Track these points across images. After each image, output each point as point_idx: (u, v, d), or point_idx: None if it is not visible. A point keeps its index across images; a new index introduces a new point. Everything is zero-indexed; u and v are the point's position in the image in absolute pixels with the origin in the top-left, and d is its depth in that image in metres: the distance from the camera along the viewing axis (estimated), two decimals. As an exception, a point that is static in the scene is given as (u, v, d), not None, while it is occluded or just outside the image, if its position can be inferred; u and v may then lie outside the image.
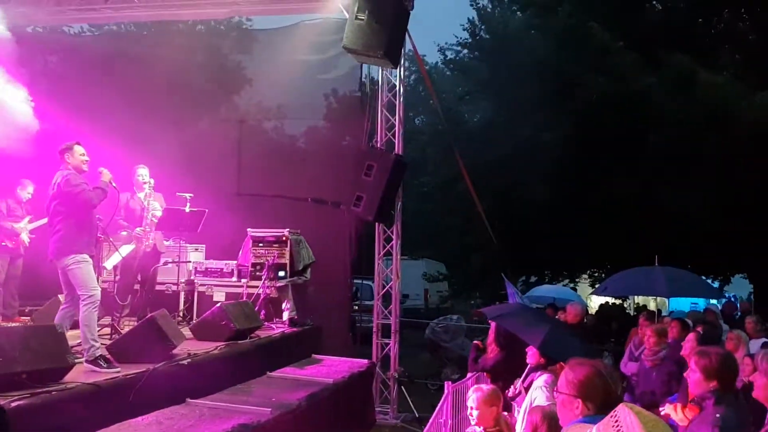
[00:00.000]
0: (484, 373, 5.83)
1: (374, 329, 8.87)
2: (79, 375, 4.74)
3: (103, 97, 9.79)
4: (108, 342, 5.74)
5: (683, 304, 17.52)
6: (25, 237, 7.73)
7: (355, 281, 10.91)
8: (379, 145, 8.85)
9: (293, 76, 10.37)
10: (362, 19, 8.06)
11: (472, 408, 4.26)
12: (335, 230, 9.57)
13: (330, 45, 9.85)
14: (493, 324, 5.78)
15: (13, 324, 6.80)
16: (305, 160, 10.57)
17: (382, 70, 8.97)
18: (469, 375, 6.31)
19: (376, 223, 8.78)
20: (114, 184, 5.83)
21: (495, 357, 5.66)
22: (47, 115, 9.07)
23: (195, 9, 9.30)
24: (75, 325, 5.46)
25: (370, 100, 9.38)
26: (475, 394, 4.30)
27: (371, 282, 14.49)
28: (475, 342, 6.50)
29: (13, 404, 3.90)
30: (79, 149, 5.70)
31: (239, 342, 6.69)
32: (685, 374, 3.74)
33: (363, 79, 9.99)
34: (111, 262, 6.80)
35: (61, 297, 7.51)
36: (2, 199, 7.83)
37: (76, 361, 4.83)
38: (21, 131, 8.49)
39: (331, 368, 7.18)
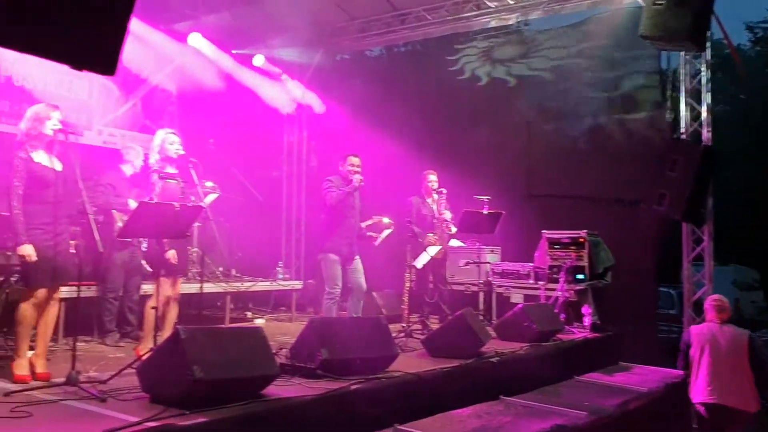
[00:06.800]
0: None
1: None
2: (401, 365, 5.06)
3: (398, 111, 10.54)
4: (421, 337, 6.09)
5: None
6: None
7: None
8: (683, 136, 8.17)
9: (574, 74, 10.16)
10: (661, 4, 7.49)
11: None
12: (635, 231, 9.02)
13: (615, 38, 9.45)
14: None
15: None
16: (594, 159, 10.18)
17: (684, 56, 8.27)
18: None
19: (683, 224, 8.09)
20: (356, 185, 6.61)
21: None
22: (355, 131, 10.13)
23: (485, 18, 9.51)
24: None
25: (671, 90, 8.72)
26: None
27: (669, 288, 13.41)
28: None
29: (353, 387, 4.30)
30: (352, 160, 6.67)
31: (542, 344, 6.62)
32: None
33: (662, 68, 9.35)
34: (420, 261, 7.23)
35: (374, 294, 8.25)
36: None
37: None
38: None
39: (642, 377, 6.74)
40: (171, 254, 5.43)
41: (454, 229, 7.70)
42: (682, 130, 8.20)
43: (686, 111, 8.19)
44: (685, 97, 8.20)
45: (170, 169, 5.51)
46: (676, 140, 8.24)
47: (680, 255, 8.24)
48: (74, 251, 4.70)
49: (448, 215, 7.72)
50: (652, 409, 6.03)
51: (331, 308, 6.39)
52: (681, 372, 6.95)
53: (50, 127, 4.54)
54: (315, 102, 10.92)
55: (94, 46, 2.31)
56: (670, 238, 9.17)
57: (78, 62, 2.38)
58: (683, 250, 8.22)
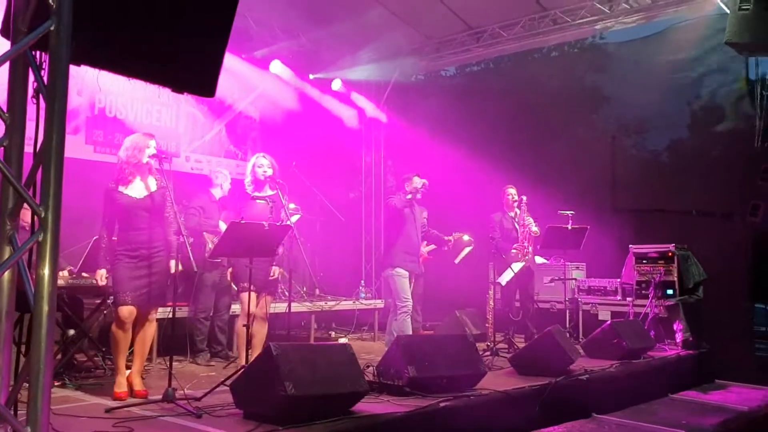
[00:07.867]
0: None
1: (787, 357, 7.69)
2: (489, 383, 4.99)
3: (475, 129, 10.50)
4: (507, 355, 6.00)
5: None
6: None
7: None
8: (775, 144, 7.81)
9: (653, 87, 9.88)
10: (747, 9, 7.21)
11: None
12: (728, 244, 8.63)
13: (697, 48, 9.16)
14: None
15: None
16: (681, 171, 9.83)
17: (775, 61, 7.94)
18: None
19: (781, 234, 7.69)
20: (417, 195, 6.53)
21: None
22: (432, 150, 10.16)
23: (560, 33, 9.39)
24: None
25: (761, 98, 8.34)
26: None
27: (765, 305, 12.69)
28: None
29: (442, 404, 4.27)
30: (417, 180, 6.67)
31: (633, 361, 6.42)
32: None
33: (749, 76, 8.97)
34: (504, 278, 7.15)
35: (458, 312, 8.18)
36: None
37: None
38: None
39: (742, 396, 6.42)
40: (230, 272, 5.77)
41: (535, 229, 7.59)
42: (775, 137, 7.83)
43: (777, 118, 7.83)
44: (775, 104, 7.85)
45: (259, 192, 5.65)
46: (766, 148, 7.88)
47: (778, 269, 7.84)
48: (172, 272, 4.86)
49: (531, 221, 7.66)
50: (754, 429, 5.72)
51: (406, 320, 6.36)
52: (784, 391, 6.60)
53: (148, 155, 4.76)
54: (389, 121, 11.07)
55: (194, 70, 2.43)
56: (766, 251, 8.72)
57: (180, 85, 2.50)
58: (781, 263, 7.81)
